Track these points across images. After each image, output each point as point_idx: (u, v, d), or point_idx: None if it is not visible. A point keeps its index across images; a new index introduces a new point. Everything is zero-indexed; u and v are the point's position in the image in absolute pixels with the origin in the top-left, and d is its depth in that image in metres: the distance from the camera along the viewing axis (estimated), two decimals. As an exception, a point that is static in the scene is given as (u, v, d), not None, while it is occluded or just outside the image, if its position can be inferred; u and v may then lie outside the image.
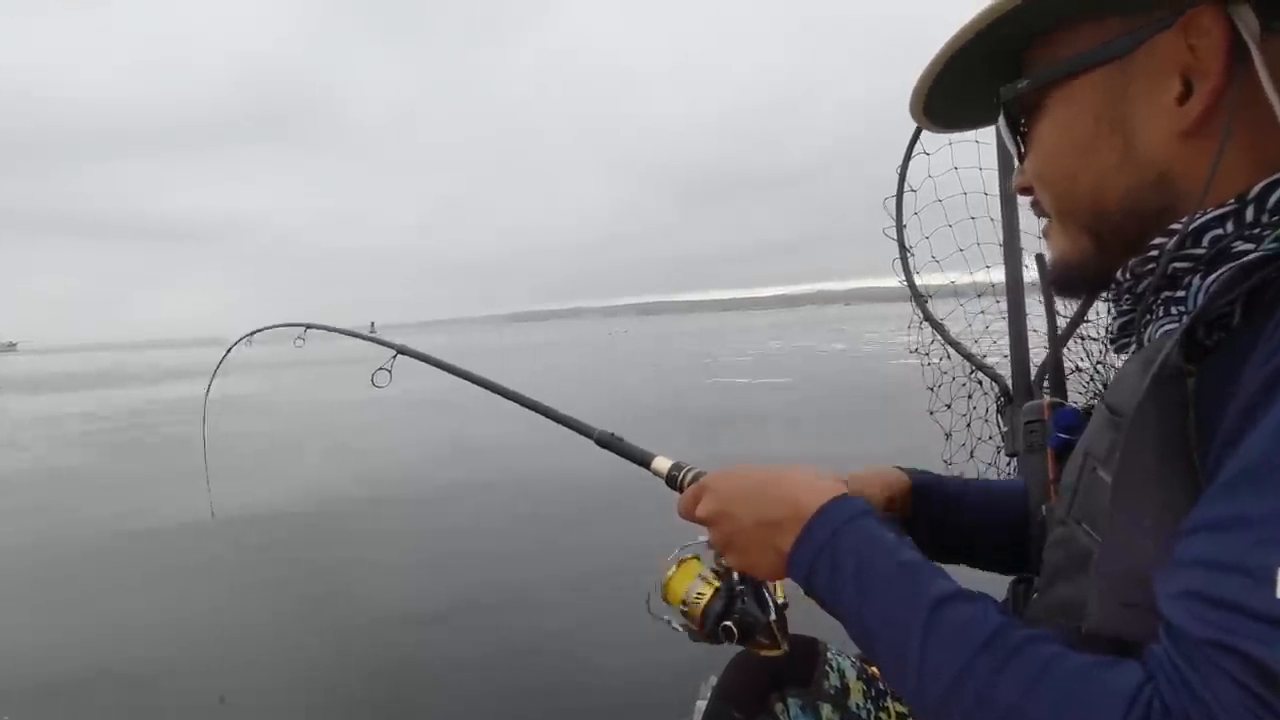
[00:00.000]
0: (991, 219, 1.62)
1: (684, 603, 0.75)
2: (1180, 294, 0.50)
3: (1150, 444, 0.46)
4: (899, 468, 0.88)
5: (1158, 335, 0.53)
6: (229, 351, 1.55)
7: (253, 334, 1.50)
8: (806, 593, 0.59)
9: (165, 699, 2.72)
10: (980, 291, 1.70)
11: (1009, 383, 1.31)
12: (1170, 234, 0.49)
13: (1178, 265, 0.49)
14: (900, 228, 1.60)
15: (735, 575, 0.75)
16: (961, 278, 1.67)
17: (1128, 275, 0.54)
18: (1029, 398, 1.29)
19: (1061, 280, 0.61)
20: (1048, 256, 0.62)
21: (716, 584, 0.74)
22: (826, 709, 0.82)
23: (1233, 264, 0.45)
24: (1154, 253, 0.51)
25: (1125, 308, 0.56)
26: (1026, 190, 0.61)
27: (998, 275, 1.55)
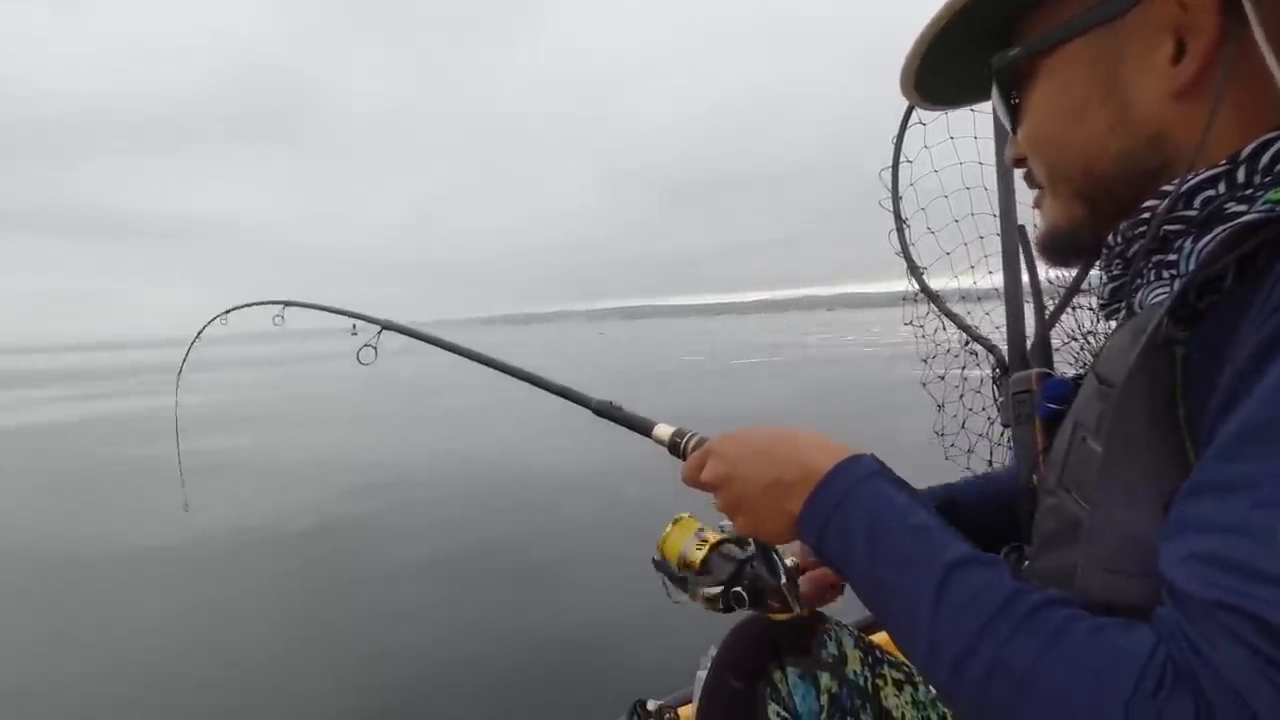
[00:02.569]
0: (986, 188, 1.62)
1: (681, 558, 0.75)
2: (1171, 257, 0.50)
3: (1139, 412, 0.46)
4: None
5: (1149, 300, 0.53)
6: (202, 330, 1.50)
7: (227, 312, 1.45)
8: (817, 555, 0.59)
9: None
10: (974, 263, 1.70)
11: (1004, 353, 1.31)
12: (1161, 196, 0.49)
13: (1169, 228, 0.49)
14: (896, 199, 1.59)
15: (729, 534, 0.75)
16: (959, 258, 1.67)
17: (1118, 239, 0.54)
18: (1024, 368, 1.29)
19: (1052, 248, 0.61)
20: (1039, 227, 0.62)
21: (712, 539, 0.74)
22: (825, 678, 0.83)
23: (1226, 225, 0.45)
24: (1145, 215, 0.51)
25: (1116, 272, 0.56)
26: (1020, 161, 0.61)
27: (993, 246, 1.55)
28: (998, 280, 1.52)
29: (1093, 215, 0.56)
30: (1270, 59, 0.43)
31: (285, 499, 5.30)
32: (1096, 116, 0.53)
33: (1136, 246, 0.52)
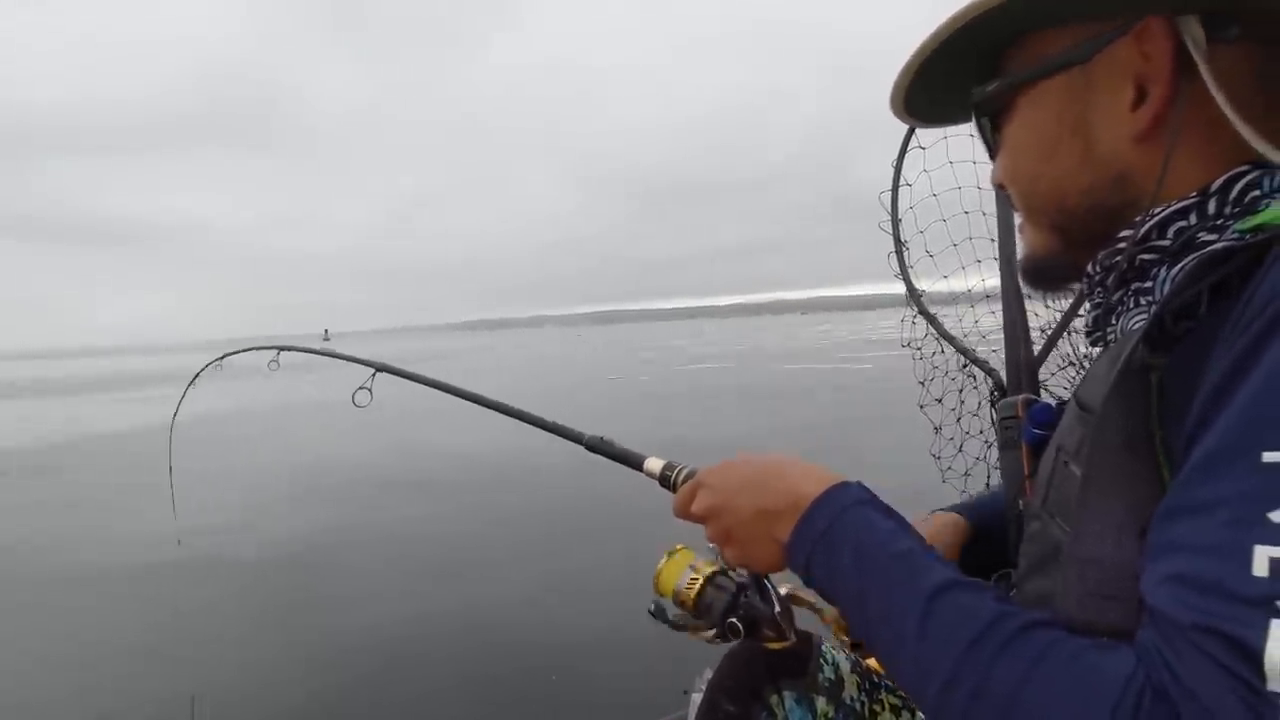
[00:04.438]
0: (984, 213, 1.63)
1: (676, 593, 0.75)
2: (1148, 284, 0.52)
3: (1116, 437, 0.47)
4: (943, 511, 0.89)
5: (1129, 326, 0.54)
6: (197, 376, 1.50)
7: (223, 358, 1.43)
8: (806, 583, 0.59)
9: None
10: (973, 286, 1.71)
11: (1002, 376, 1.31)
12: (1137, 227, 0.52)
13: (1145, 257, 0.52)
14: (895, 222, 1.60)
15: (725, 566, 0.75)
16: (957, 281, 1.68)
17: (1097, 268, 0.56)
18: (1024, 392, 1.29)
19: (1032, 274, 0.63)
20: (1020, 252, 0.64)
21: (708, 571, 0.74)
22: (821, 702, 0.82)
23: (1197, 254, 0.47)
24: (1121, 245, 0.53)
25: (1098, 300, 0.58)
26: (1001, 187, 0.63)
27: (990, 269, 1.56)
28: (996, 290, 1.53)
29: (1067, 245, 0.58)
30: (1226, 107, 0.45)
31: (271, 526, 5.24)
32: (1065, 154, 0.55)
33: (1112, 276, 0.54)
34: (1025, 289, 0.64)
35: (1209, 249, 0.46)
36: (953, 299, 1.76)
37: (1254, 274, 0.42)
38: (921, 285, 1.68)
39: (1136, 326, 0.52)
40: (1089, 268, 0.57)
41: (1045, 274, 0.62)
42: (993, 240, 1.53)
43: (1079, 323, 1.42)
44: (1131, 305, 0.54)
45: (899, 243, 1.61)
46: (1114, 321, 0.56)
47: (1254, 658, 0.34)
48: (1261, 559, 0.35)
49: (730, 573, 0.74)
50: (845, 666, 0.86)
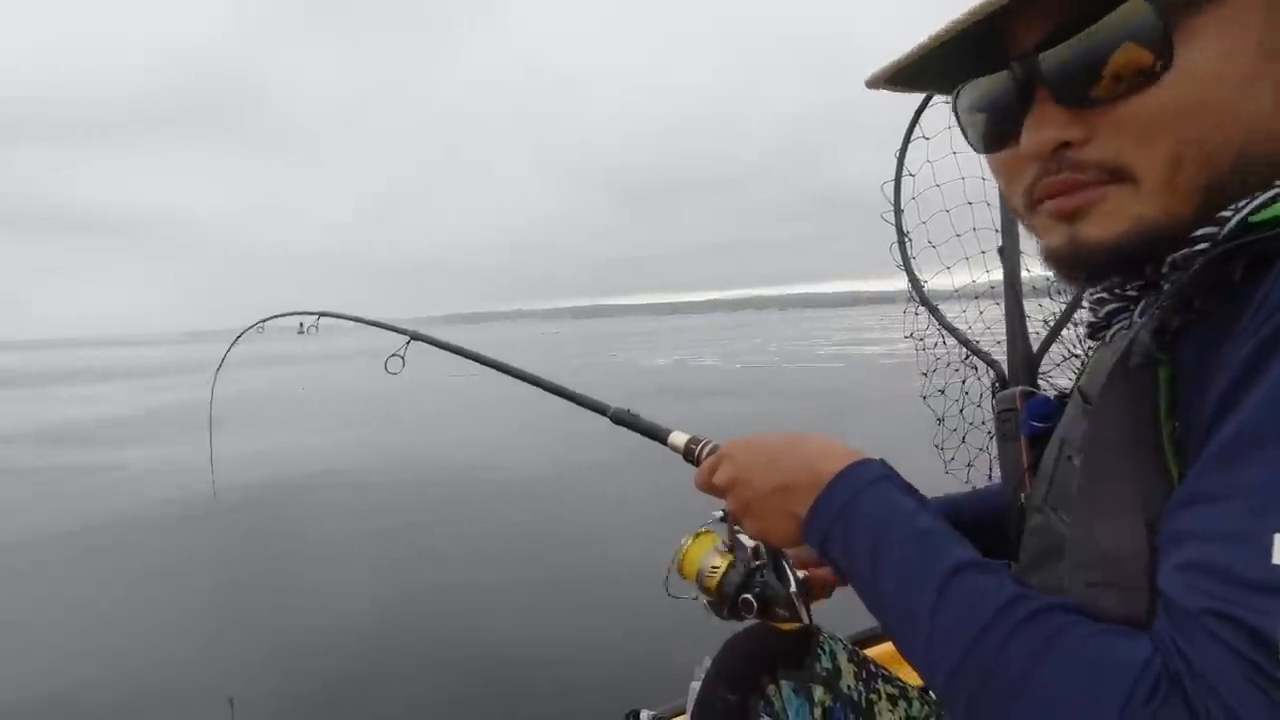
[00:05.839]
0: (988, 203, 1.62)
1: (700, 575, 0.76)
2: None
3: (1119, 429, 0.46)
4: None
5: (1138, 317, 0.52)
6: (239, 338, 1.58)
7: (264, 321, 1.53)
8: (822, 558, 0.59)
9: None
10: (977, 278, 1.71)
11: (1004, 368, 1.31)
12: (1220, 222, 0.44)
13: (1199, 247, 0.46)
14: (898, 212, 1.60)
15: (750, 547, 0.76)
16: (960, 274, 1.68)
17: (1163, 268, 0.47)
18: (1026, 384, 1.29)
19: (1125, 251, 0.48)
20: (1096, 231, 0.48)
21: (732, 556, 0.75)
22: (819, 691, 0.83)
23: (1237, 240, 0.43)
24: (1203, 245, 0.45)
25: (1130, 292, 0.53)
26: (1063, 146, 0.48)
27: (992, 260, 1.56)
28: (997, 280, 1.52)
29: (1204, 209, 0.45)
30: None
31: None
32: (1266, 85, 0.43)
33: (1176, 278, 0.46)
34: (1077, 277, 0.47)
35: (1215, 248, 0.43)
36: (956, 294, 1.75)
37: (1272, 262, 0.41)
38: (923, 277, 1.67)
39: (1143, 318, 0.50)
40: (1148, 269, 0.48)
41: (1139, 251, 0.47)
42: (996, 230, 1.52)
43: (1080, 314, 1.41)
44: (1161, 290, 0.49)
45: (901, 234, 1.60)
46: (1130, 309, 0.53)
47: (1271, 645, 0.34)
48: None
49: (745, 550, 0.75)
50: (842, 656, 0.87)
